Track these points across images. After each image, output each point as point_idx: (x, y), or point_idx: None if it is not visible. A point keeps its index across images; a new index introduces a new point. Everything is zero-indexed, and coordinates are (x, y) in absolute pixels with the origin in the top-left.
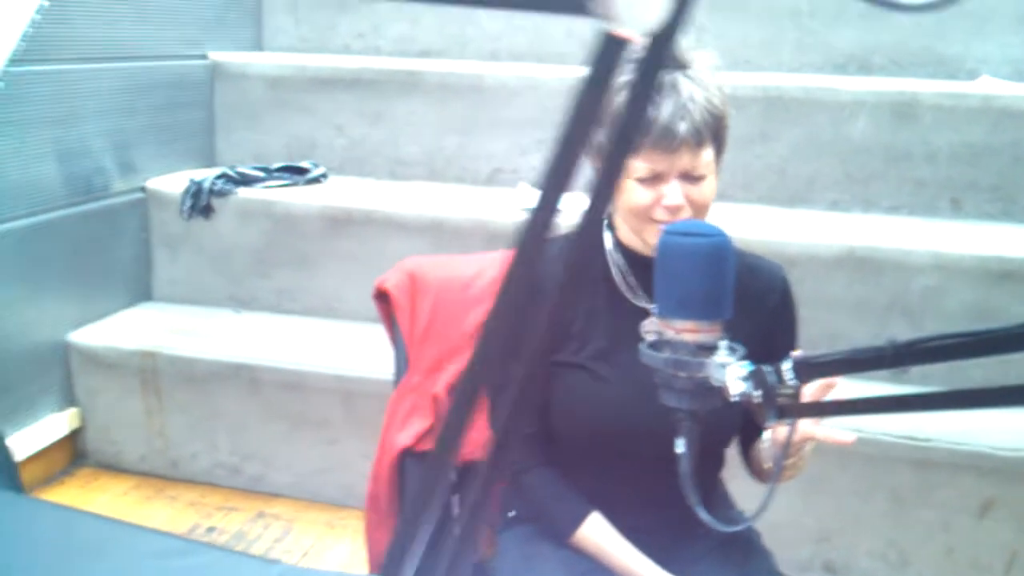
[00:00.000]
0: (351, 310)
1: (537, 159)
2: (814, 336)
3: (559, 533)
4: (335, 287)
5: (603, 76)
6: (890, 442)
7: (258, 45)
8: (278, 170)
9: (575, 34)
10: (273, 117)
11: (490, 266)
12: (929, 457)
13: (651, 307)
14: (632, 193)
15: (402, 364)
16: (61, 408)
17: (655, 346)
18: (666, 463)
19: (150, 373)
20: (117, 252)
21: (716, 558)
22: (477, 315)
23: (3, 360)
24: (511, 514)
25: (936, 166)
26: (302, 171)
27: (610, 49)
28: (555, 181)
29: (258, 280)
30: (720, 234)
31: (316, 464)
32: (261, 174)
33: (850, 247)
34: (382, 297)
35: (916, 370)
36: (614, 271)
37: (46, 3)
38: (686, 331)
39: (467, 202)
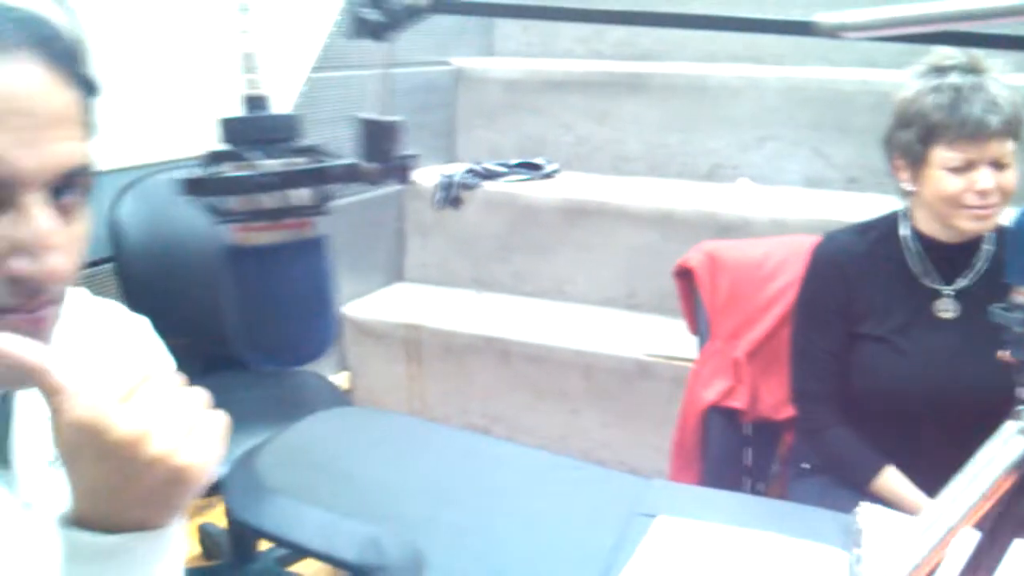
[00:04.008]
0: (580, 293)
1: (756, 156)
2: None
3: (858, 482)
4: (567, 272)
5: None
6: None
7: (490, 51)
8: (516, 166)
9: (789, 37)
10: (507, 117)
11: (774, 250)
12: None
13: (943, 288)
14: (944, 182)
15: (704, 331)
16: (337, 371)
17: (1008, 308)
18: (953, 424)
19: (414, 344)
20: (378, 237)
21: None
22: (771, 290)
23: None
24: (804, 466)
25: None
26: (537, 167)
27: None
28: None
29: (498, 264)
30: None
31: (558, 431)
32: (503, 169)
33: None
34: (684, 274)
35: None
36: (908, 256)
37: (339, 18)
38: None
39: (691, 196)
